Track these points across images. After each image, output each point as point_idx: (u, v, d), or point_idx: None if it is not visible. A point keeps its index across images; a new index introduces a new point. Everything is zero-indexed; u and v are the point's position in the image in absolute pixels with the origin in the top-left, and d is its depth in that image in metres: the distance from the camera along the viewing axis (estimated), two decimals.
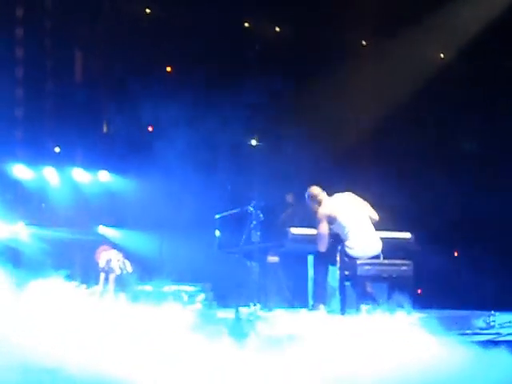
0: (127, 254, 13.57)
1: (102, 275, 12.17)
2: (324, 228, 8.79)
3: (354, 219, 8.81)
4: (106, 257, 12.14)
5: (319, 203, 9.00)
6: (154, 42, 14.86)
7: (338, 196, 9.05)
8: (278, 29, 15.72)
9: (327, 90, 14.45)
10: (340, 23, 15.24)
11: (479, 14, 14.38)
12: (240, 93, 13.45)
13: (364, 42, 16.05)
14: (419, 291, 11.51)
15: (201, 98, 14.57)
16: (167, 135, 14.24)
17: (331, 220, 8.80)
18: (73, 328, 7.29)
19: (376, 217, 8.97)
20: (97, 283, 11.79)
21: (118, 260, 12.11)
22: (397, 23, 14.72)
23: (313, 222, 9.09)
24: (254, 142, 8.48)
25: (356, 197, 9.04)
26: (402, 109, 14.73)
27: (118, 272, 12.06)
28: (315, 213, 8.90)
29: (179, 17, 14.87)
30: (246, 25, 15.33)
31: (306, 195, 9.07)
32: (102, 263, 12.07)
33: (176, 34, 14.74)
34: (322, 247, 8.83)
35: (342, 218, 8.80)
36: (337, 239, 8.85)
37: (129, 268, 12.20)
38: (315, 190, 9.08)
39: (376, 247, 8.78)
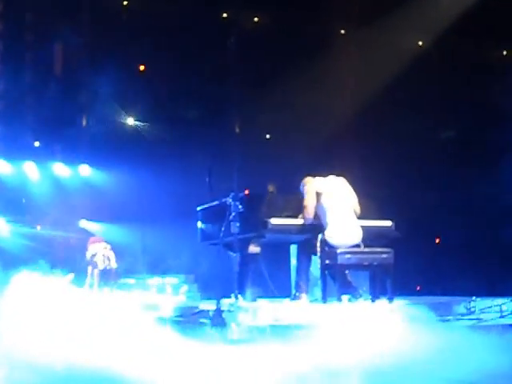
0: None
1: (90, 268, 12.15)
2: (310, 200, 8.85)
3: (336, 204, 8.82)
4: (92, 250, 12.13)
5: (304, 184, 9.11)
6: (131, 34, 14.80)
7: (329, 178, 9.09)
8: (256, 19, 15.71)
9: (307, 79, 14.46)
10: (319, 12, 15.25)
11: (457, 1, 14.42)
12: (220, 83, 13.44)
13: (342, 31, 16.06)
14: (418, 288, 11.53)
15: (179, 90, 14.56)
16: (147, 128, 14.26)
17: (317, 197, 8.86)
18: (56, 321, 7.30)
19: (358, 211, 9.00)
20: (82, 275, 11.77)
21: (103, 255, 12.07)
22: (375, 11, 14.74)
23: (294, 211, 9.12)
24: (237, 132, 8.45)
25: (347, 185, 9.07)
26: (381, 96, 14.76)
27: (101, 267, 12.04)
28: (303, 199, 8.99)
29: (157, 10, 14.83)
30: (224, 15, 15.31)
31: (301, 185, 9.14)
32: (88, 255, 12.06)
33: (153, 26, 14.69)
34: (309, 215, 8.87)
35: (325, 199, 8.83)
36: (319, 228, 8.87)
37: (113, 263, 12.17)
38: (306, 179, 9.18)
39: (356, 236, 8.80)
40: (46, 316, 7.39)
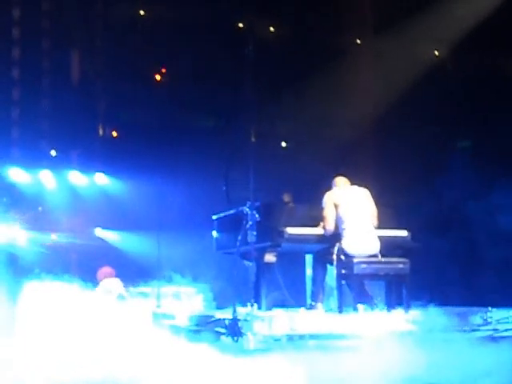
0: (125, 256, 13.61)
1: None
2: (329, 211, 8.90)
3: (354, 215, 8.85)
4: (106, 286, 11.84)
5: (334, 186, 9.20)
6: (148, 44, 14.87)
7: (351, 188, 9.12)
8: (272, 29, 15.75)
9: (323, 89, 14.48)
10: (335, 22, 15.28)
11: (473, 11, 14.40)
12: (236, 93, 13.47)
13: (359, 41, 16.07)
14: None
15: (196, 98, 14.61)
16: (165, 136, 14.29)
17: (335, 208, 8.90)
18: (70, 329, 7.31)
19: (375, 223, 9.02)
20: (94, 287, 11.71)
21: (117, 291, 11.75)
22: (391, 21, 14.75)
23: (310, 221, 9.13)
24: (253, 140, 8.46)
25: (368, 196, 9.09)
26: (397, 105, 14.75)
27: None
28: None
29: (174, 20, 14.90)
30: (240, 25, 15.36)
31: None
32: (100, 290, 11.82)
33: (170, 36, 14.75)
34: (329, 226, 8.90)
35: (343, 210, 8.86)
36: (335, 238, 8.89)
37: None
38: (336, 179, 9.29)
39: (374, 246, 8.81)
40: (59, 324, 7.41)
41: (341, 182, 9.24)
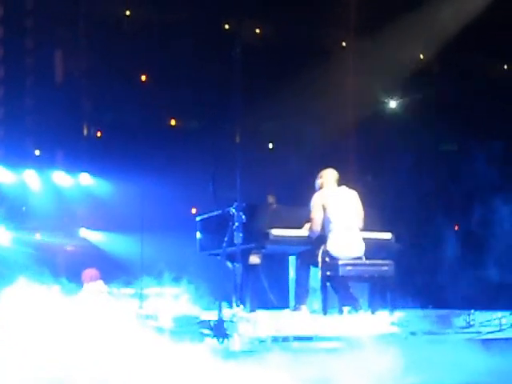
0: (109, 257, 13.57)
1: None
2: (317, 213, 8.89)
3: (342, 217, 8.85)
4: (90, 289, 11.76)
5: (319, 187, 9.10)
6: (133, 45, 14.84)
7: (339, 189, 9.11)
8: (258, 30, 15.77)
9: (308, 91, 14.51)
10: (320, 24, 15.32)
11: (458, 14, 14.47)
12: (221, 94, 13.47)
13: (344, 43, 16.11)
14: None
15: (181, 98, 14.61)
16: (149, 137, 14.27)
17: (323, 209, 8.90)
18: (51, 330, 7.28)
19: (361, 225, 9.04)
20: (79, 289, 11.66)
21: (100, 294, 11.64)
22: (376, 24, 14.80)
23: (294, 222, 9.14)
24: (237, 141, 8.47)
25: (356, 198, 9.09)
26: (382, 107, 14.81)
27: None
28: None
29: (160, 20, 14.89)
30: (226, 26, 15.37)
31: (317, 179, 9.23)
32: (84, 292, 11.75)
33: (155, 37, 14.74)
34: (316, 228, 8.90)
35: (330, 211, 8.86)
36: (320, 240, 8.90)
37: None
38: (324, 172, 9.22)
39: (359, 249, 8.84)
40: (41, 327, 7.37)
41: (329, 180, 9.16)
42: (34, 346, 6.96)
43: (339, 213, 8.87)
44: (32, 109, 14.88)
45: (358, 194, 9.15)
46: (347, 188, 9.16)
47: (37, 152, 14.98)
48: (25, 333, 7.18)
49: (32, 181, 14.80)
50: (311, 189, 9.35)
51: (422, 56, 16.00)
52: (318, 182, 9.19)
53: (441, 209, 14.41)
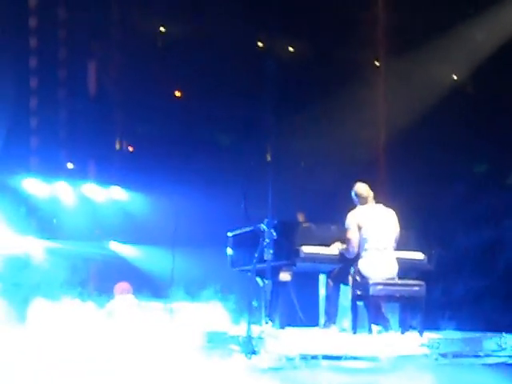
0: (139, 270, 13.58)
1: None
2: (354, 234, 8.84)
3: (376, 237, 8.80)
4: (120, 301, 11.78)
5: (357, 203, 9.07)
6: (167, 60, 14.94)
7: (376, 207, 9.07)
8: (291, 49, 15.81)
9: (341, 109, 14.52)
10: (354, 43, 15.34)
11: (492, 36, 14.43)
12: (253, 112, 13.55)
13: (377, 63, 16.10)
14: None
15: (215, 116, 14.68)
16: (182, 152, 14.33)
17: (358, 228, 8.85)
18: (82, 345, 7.31)
19: (394, 246, 8.98)
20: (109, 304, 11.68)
21: (129, 308, 11.65)
22: (410, 44, 14.79)
23: (324, 240, 9.12)
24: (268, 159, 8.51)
25: (393, 217, 9.03)
26: (415, 127, 14.76)
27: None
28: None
29: (193, 35, 14.98)
30: (260, 44, 15.43)
31: (352, 192, 9.13)
32: (115, 305, 11.77)
33: (190, 53, 14.82)
34: (353, 249, 8.85)
35: (365, 231, 8.82)
36: (351, 259, 8.87)
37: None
38: (360, 188, 9.12)
39: (391, 270, 8.78)
40: (71, 339, 7.41)
41: (365, 197, 9.07)
42: (70, 358, 7.00)
43: (374, 232, 8.81)
44: (65, 121, 14.98)
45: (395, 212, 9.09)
46: (384, 206, 9.10)
47: (69, 165, 15.07)
48: (60, 345, 7.23)
49: (64, 193, 14.89)
50: (341, 207, 9.31)
51: (455, 76, 15.94)
52: (357, 199, 9.10)
53: (475, 230, 14.33)
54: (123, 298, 11.79)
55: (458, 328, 9.98)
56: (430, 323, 9.14)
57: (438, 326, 9.79)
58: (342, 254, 8.97)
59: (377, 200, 9.14)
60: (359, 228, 8.83)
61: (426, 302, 8.77)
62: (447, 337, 8.62)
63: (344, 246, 8.94)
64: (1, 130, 13.54)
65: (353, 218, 8.92)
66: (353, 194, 9.13)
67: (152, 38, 15.25)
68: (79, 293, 11.41)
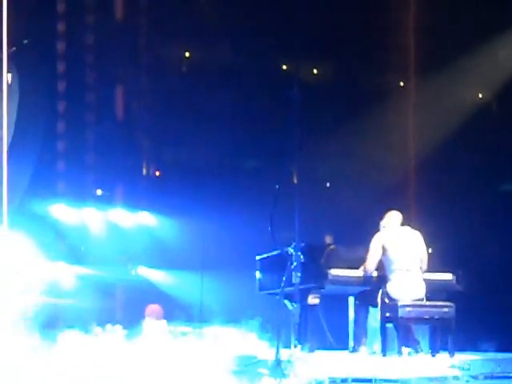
0: (168, 295, 13.58)
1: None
2: (373, 253, 8.89)
3: (403, 258, 8.80)
4: (151, 327, 11.77)
5: (383, 227, 9.11)
6: (193, 84, 15.03)
7: (402, 229, 9.07)
8: (315, 71, 15.85)
9: (366, 131, 14.53)
10: (378, 64, 15.35)
11: None
12: (279, 135, 13.55)
13: (402, 83, 16.09)
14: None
15: (241, 139, 14.74)
16: (209, 176, 14.39)
17: (383, 251, 8.86)
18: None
19: (424, 267, 8.97)
20: (139, 329, 11.70)
21: (160, 333, 11.61)
22: (434, 64, 14.80)
23: (352, 263, 9.12)
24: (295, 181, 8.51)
25: (419, 239, 9.04)
26: (441, 149, 14.72)
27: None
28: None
29: (218, 59, 15.08)
30: (284, 67, 15.48)
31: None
32: (145, 328, 11.77)
33: (214, 77, 14.91)
34: (369, 267, 8.90)
35: (391, 252, 8.82)
36: (379, 280, 8.87)
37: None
38: (388, 213, 9.20)
39: (420, 292, 8.76)
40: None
41: (392, 221, 9.12)
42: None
43: (400, 254, 8.81)
44: (93, 146, 15.06)
45: (422, 234, 9.08)
46: (410, 228, 9.10)
47: (98, 191, 15.14)
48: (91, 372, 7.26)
49: (92, 219, 14.97)
50: (369, 229, 9.33)
51: (480, 95, 15.89)
52: (382, 222, 9.15)
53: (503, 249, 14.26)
54: (155, 322, 11.81)
55: (489, 349, 9.92)
56: (460, 344, 9.08)
57: (470, 347, 9.72)
58: (370, 276, 8.97)
59: (405, 223, 9.15)
60: (384, 250, 8.84)
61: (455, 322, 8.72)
62: (478, 358, 8.55)
63: (363, 265, 8.97)
64: (30, 156, 13.64)
65: (377, 240, 8.96)
66: (381, 222, 9.18)
67: (178, 63, 15.36)
68: (108, 319, 11.46)
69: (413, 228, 9.14)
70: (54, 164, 14.61)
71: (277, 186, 8.53)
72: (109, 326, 10.90)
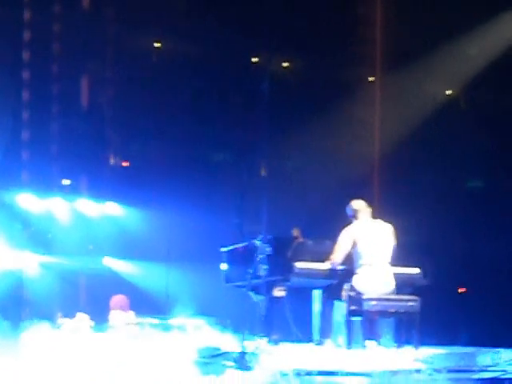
0: (132, 286, 13.55)
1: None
2: (341, 245, 8.85)
3: (373, 253, 8.78)
4: (117, 319, 11.68)
5: (354, 218, 9.04)
6: (161, 76, 14.97)
7: (374, 222, 9.06)
8: (285, 64, 15.85)
9: (334, 125, 14.57)
10: (347, 59, 15.39)
11: (485, 50, 14.51)
12: (247, 127, 13.56)
13: (370, 78, 16.15)
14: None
15: (208, 131, 14.72)
16: (176, 167, 14.35)
17: (353, 244, 8.83)
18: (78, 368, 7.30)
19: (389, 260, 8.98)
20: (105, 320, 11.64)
21: (127, 325, 11.49)
22: (403, 59, 14.86)
23: (318, 256, 9.13)
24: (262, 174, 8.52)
25: (390, 233, 9.03)
26: (408, 143, 14.81)
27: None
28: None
29: (188, 51, 15.02)
30: (254, 60, 15.47)
31: (347, 208, 9.11)
32: (111, 319, 11.68)
33: (184, 69, 14.86)
34: (337, 260, 8.87)
35: (362, 246, 8.81)
36: (345, 274, 8.88)
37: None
38: (357, 204, 9.11)
39: (387, 286, 8.76)
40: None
41: (362, 213, 9.06)
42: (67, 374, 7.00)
43: (369, 248, 8.79)
44: (59, 136, 14.96)
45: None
46: (383, 222, 9.08)
47: (65, 181, 15.04)
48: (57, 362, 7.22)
49: (58, 208, 14.88)
50: (336, 222, 9.32)
51: (448, 92, 16.00)
52: (353, 214, 9.07)
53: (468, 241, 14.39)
54: (121, 314, 11.75)
55: (453, 343, 9.99)
56: (424, 338, 9.14)
57: (433, 341, 9.78)
58: (336, 270, 8.97)
59: (374, 216, 9.14)
60: (355, 243, 8.83)
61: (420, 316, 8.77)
62: (442, 352, 8.62)
63: (330, 257, 8.96)
64: None
65: (346, 233, 8.91)
66: (348, 210, 9.12)
67: (146, 54, 15.27)
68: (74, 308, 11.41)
69: (385, 221, 9.11)
70: (20, 154, 14.50)
71: (244, 179, 8.48)
72: (74, 316, 10.86)
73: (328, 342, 9.00)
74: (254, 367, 7.59)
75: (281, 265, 8.83)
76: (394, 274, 8.96)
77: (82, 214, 15.01)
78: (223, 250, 10.21)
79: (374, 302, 8.62)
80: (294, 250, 9.09)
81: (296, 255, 9.05)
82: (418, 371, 7.85)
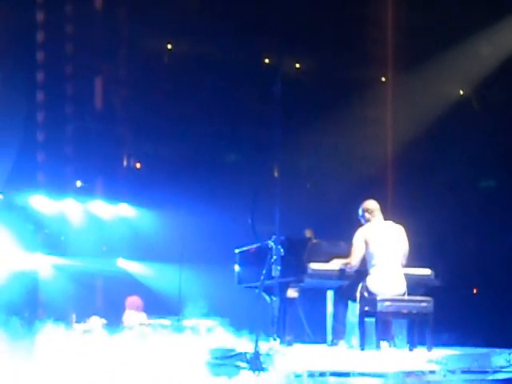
0: (146, 287, 13.58)
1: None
2: (358, 248, 8.83)
3: (385, 254, 8.77)
4: (131, 319, 11.72)
5: (367, 221, 9.06)
6: (174, 77, 15.01)
7: (386, 224, 9.06)
8: (298, 65, 15.87)
9: (348, 126, 14.57)
10: (360, 59, 15.39)
11: (497, 50, 14.48)
12: (260, 128, 13.55)
13: (383, 79, 16.14)
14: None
15: (222, 133, 14.74)
16: (189, 169, 14.38)
17: (365, 245, 8.82)
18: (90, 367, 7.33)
19: (405, 262, 8.95)
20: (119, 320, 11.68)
21: (140, 326, 11.55)
22: (416, 60, 14.85)
23: (331, 257, 9.12)
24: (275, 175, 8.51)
25: (402, 234, 9.02)
26: (420, 144, 14.79)
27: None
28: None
29: (201, 52, 15.06)
30: (266, 61, 15.49)
31: (360, 209, 9.12)
32: (125, 320, 11.73)
33: (197, 70, 14.90)
34: (354, 263, 8.85)
35: (374, 247, 8.80)
36: (359, 274, 8.87)
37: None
38: (370, 204, 9.10)
39: (399, 286, 8.75)
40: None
41: (375, 213, 9.04)
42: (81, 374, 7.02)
43: (383, 249, 8.77)
44: (73, 138, 15.02)
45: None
46: (394, 223, 9.07)
47: (78, 183, 15.10)
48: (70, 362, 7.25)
49: (72, 210, 14.93)
50: (349, 223, 9.31)
51: (461, 92, 15.97)
52: (365, 215, 9.07)
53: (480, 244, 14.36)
54: (135, 314, 11.79)
55: (467, 344, 9.96)
56: (438, 339, 9.12)
57: (447, 342, 9.76)
58: (347, 271, 8.96)
59: (385, 217, 9.13)
60: (367, 244, 8.81)
61: (433, 317, 8.75)
62: (455, 353, 8.59)
63: (347, 260, 8.94)
64: (9, 148, 13.59)
65: (360, 234, 8.90)
66: (360, 211, 9.12)
67: (159, 55, 15.33)
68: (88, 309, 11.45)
69: (396, 222, 9.11)
70: (34, 155, 14.56)
71: (258, 180, 8.47)
72: (89, 318, 10.91)
73: (341, 343, 8.98)
74: (267, 368, 7.59)
75: (294, 266, 8.82)
76: (406, 274, 8.95)
77: (95, 215, 15.05)
78: (236, 251, 10.21)
79: (387, 303, 8.60)
80: (307, 251, 9.07)
81: (310, 256, 9.03)
82: (431, 372, 7.85)
